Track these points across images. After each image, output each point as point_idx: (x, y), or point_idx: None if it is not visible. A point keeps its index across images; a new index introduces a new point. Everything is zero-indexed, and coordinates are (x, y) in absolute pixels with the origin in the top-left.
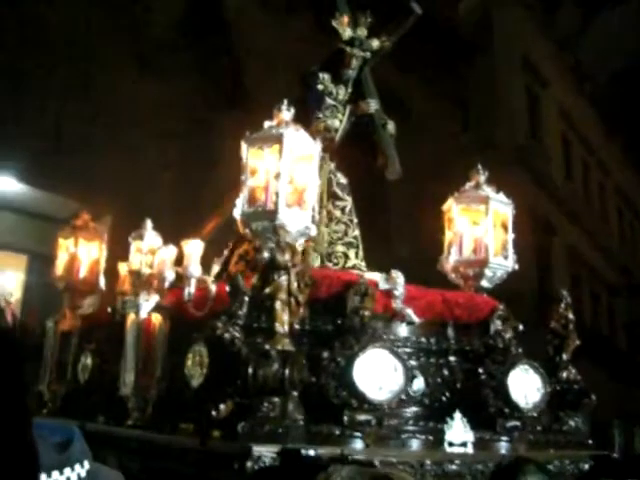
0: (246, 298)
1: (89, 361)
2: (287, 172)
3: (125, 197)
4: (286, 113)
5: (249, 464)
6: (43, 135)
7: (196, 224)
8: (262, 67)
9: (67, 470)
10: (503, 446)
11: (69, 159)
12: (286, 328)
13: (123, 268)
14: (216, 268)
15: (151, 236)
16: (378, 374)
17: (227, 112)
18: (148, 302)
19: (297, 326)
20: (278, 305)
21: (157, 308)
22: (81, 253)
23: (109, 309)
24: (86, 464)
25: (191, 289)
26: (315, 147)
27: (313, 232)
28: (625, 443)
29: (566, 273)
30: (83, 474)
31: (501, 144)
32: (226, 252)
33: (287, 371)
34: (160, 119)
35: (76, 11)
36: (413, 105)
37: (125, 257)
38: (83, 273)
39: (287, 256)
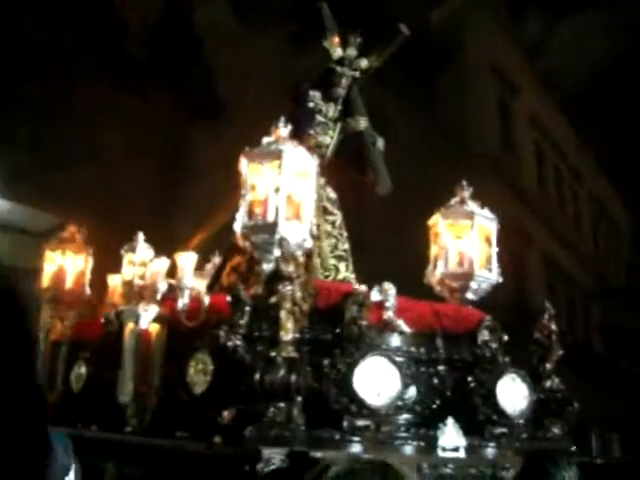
0: (247, 308)
1: (83, 370)
2: (286, 187)
3: (101, 211)
4: (283, 130)
5: (260, 466)
6: (20, 149)
7: (172, 237)
8: (235, 80)
9: (71, 473)
10: (491, 452)
11: (46, 172)
12: (290, 336)
13: (113, 280)
14: (199, 281)
15: (143, 248)
16: (376, 381)
17: (201, 126)
18: (147, 312)
19: (297, 334)
20: (283, 314)
21: (155, 318)
22: (67, 265)
23: (102, 319)
24: (73, 464)
25: (185, 300)
26: (312, 163)
27: (309, 244)
28: (602, 449)
29: (542, 280)
30: (72, 476)
31: (474, 153)
32: (209, 266)
33: (293, 377)
34: (136, 133)
35: (52, 27)
36: (386, 115)
37: (100, 269)
38: (69, 284)
39: (291, 267)
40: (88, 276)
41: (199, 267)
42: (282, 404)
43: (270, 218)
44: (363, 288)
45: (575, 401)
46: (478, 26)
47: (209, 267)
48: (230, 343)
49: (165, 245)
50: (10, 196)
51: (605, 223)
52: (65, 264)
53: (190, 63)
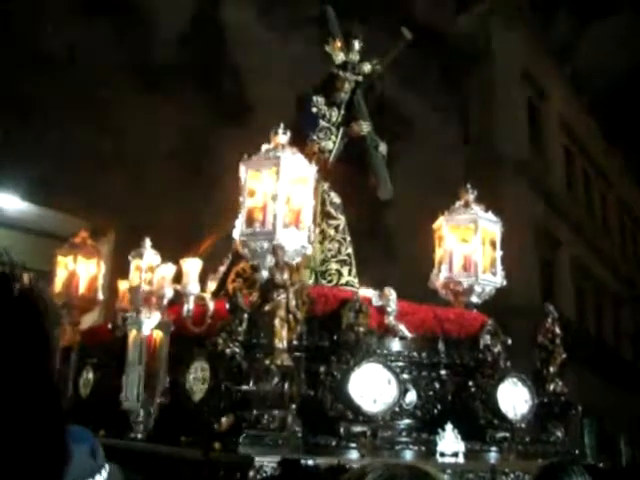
0: (245, 315)
1: (91, 376)
2: (284, 194)
3: (128, 214)
4: (282, 137)
5: (251, 474)
6: (47, 153)
7: (197, 242)
8: (262, 84)
9: (98, 476)
10: (493, 456)
11: (72, 177)
12: (285, 344)
13: (123, 285)
14: (211, 284)
15: (150, 254)
16: (373, 387)
17: (228, 129)
18: (150, 319)
19: (295, 342)
20: (277, 322)
21: (158, 324)
22: (80, 270)
23: (109, 325)
24: (107, 467)
25: (190, 306)
26: (310, 170)
27: (309, 251)
28: (632, 454)
29: (571, 285)
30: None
31: (502, 157)
32: (222, 268)
33: (286, 385)
34: (162, 137)
35: (80, 29)
36: (415, 119)
37: (128, 273)
38: (82, 289)
39: (285, 275)
40: (101, 281)
41: (214, 272)
42: (276, 412)
43: (268, 225)
44: (369, 292)
45: (605, 407)
46: (506, 31)
47: (222, 270)
48: (228, 350)
49: (191, 248)
50: (39, 201)
51: (633, 227)
52: (77, 269)
53: (218, 66)
